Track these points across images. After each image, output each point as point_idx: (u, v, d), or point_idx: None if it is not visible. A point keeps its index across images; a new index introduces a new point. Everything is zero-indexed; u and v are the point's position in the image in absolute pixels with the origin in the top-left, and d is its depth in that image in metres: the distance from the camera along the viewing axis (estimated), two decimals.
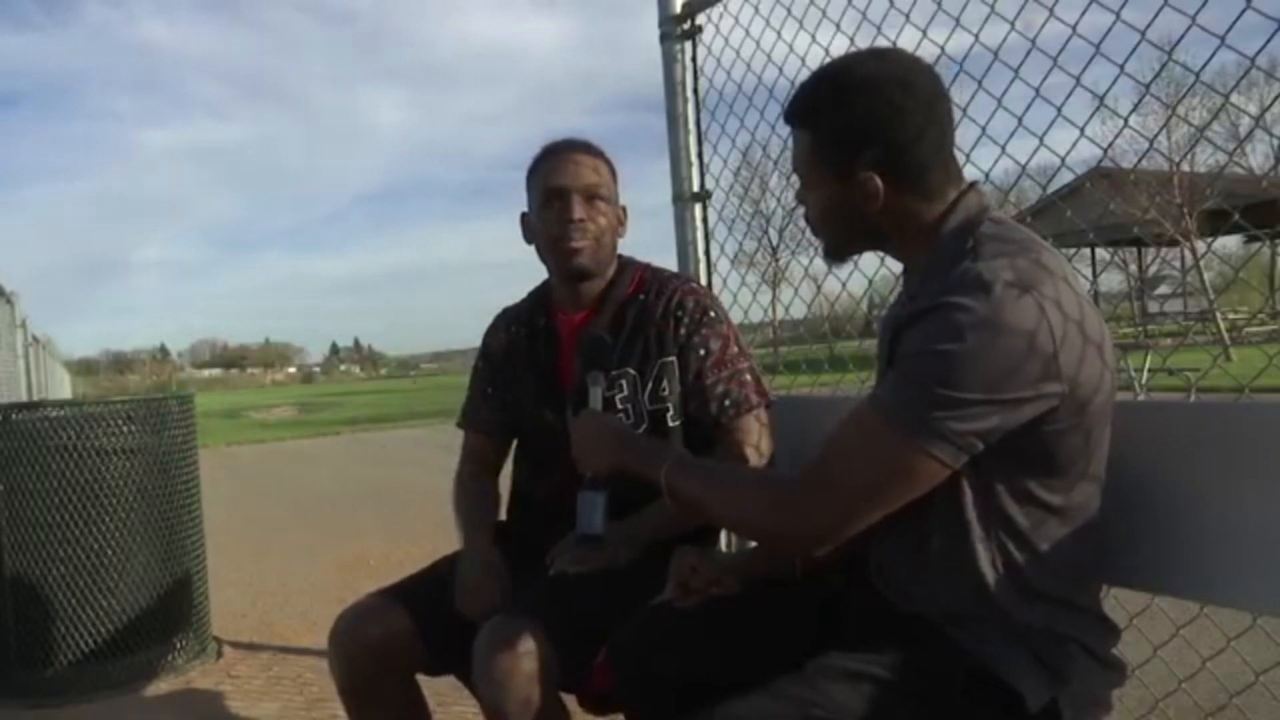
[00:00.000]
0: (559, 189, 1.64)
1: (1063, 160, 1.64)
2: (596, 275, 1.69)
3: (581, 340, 1.55)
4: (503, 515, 1.81)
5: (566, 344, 1.71)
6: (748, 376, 1.66)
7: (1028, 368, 0.95)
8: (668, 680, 1.23)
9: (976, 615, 1.07)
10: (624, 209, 1.76)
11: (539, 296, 1.81)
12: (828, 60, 1.23)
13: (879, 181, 1.09)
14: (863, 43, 1.91)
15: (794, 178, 1.22)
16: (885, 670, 1.05)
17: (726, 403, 1.63)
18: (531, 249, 1.73)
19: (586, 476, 1.33)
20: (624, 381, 1.64)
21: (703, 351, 1.65)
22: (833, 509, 1.01)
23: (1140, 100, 1.91)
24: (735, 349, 1.68)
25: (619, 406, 1.63)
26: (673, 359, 1.64)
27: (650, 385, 1.64)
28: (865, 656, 1.07)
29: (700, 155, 2.42)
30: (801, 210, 1.23)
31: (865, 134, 1.09)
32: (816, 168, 1.15)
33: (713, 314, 1.68)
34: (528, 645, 1.33)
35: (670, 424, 1.64)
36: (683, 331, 1.65)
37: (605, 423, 1.35)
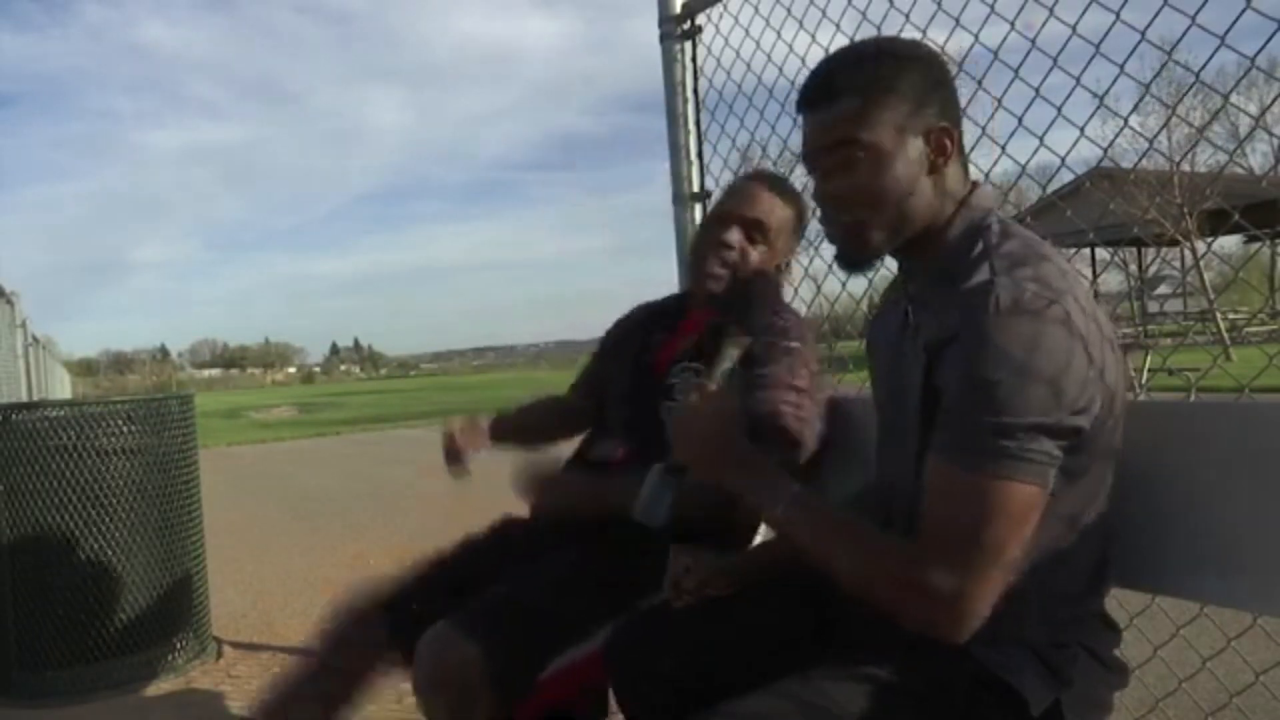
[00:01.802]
0: (723, 212, 1.67)
1: (1063, 160, 1.64)
2: (718, 300, 1.64)
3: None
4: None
5: (681, 331, 1.71)
6: (782, 422, 1.48)
7: (1077, 374, 0.95)
8: (664, 680, 1.23)
9: None
10: (785, 260, 1.70)
11: (681, 296, 1.85)
12: (855, 42, 1.20)
13: (947, 129, 1.07)
14: None
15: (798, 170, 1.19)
16: (888, 673, 1.05)
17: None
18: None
19: (672, 463, 1.16)
20: (690, 373, 1.63)
21: (763, 371, 1.52)
22: (966, 582, 0.94)
23: (1140, 100, 1.90)
24: (793, 392, 1.51)
25: (675, 397, 1.62)
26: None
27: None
28: (868, 658, 1.07)
29: (700, 155, 2.42)
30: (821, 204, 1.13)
31: (929, 91, 1.07)
32: (884, 130, 1.05)
33: (792, 344, 1.56)
34: (463, 660, 1.36)
35: None
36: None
37: (729, 428, 1.14)
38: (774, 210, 1.64)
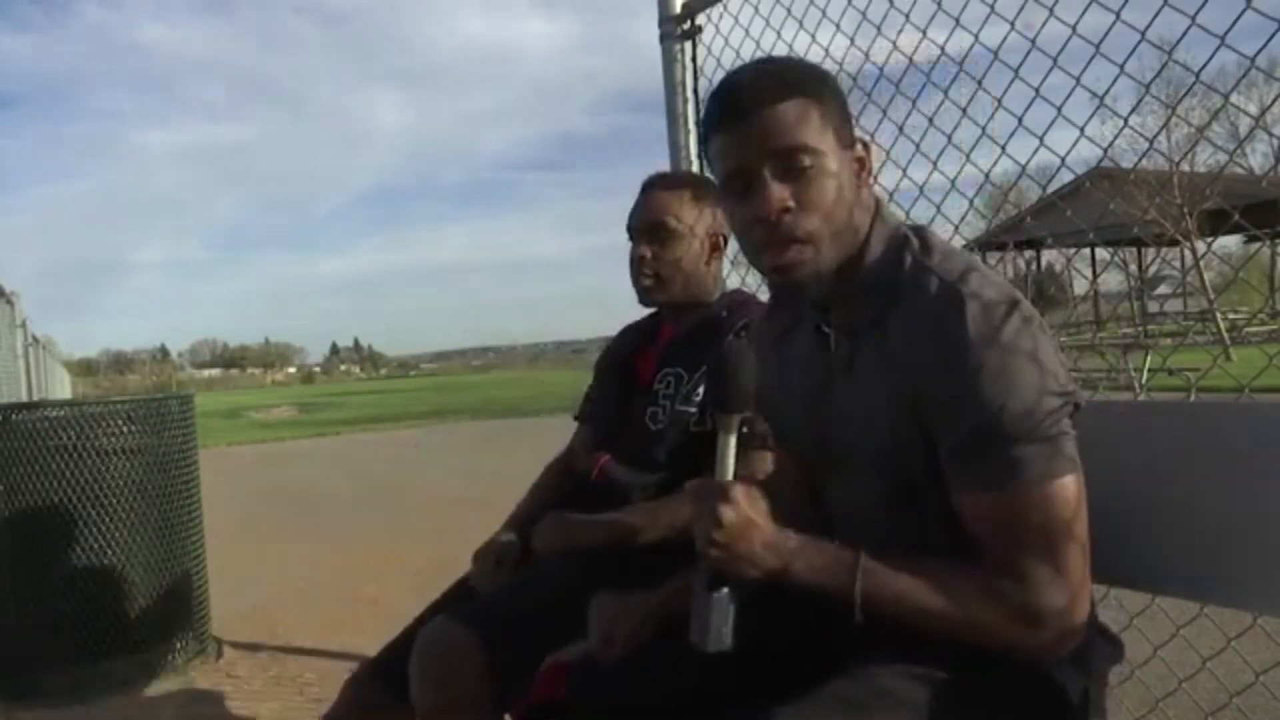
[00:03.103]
0: (629, 229, 1.74)
1: (1063, 160, 1.64)
2: (670, 303, 1.74)
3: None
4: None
5: (658, 343, 1.79)
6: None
7: (1052, 353, 0.95)
8: (626, 710, 1.19)
9: None
10: (720, 233, 1.73)
11: (656, 313, 1.88)
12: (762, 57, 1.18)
13: (866, 144, 1.05)
14: (862, 42, 1.91)
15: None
16: (940, 671, 1.01)
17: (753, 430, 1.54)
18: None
19: (716, 575, 1.01)
20: (671, 378, 1.68)
21: None
22: (1070, 589, 0.94)
23: (1140, 100, 1.90)
24: None
25: (660, 401, 1.66)
26: None
27: (688, 388, 1.64)
28: (906, 659, 1.02)
29: (700, 155, 2.43)
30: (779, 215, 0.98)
31: (846, 106, 1.05)
32: (827, 137, 0.98)
33: None
34: (461, 651, 1.39)
35: (691, 429, 1.61)
36: None
37: (753, 521, 0.99)
38: (665, 205, 1.71)
